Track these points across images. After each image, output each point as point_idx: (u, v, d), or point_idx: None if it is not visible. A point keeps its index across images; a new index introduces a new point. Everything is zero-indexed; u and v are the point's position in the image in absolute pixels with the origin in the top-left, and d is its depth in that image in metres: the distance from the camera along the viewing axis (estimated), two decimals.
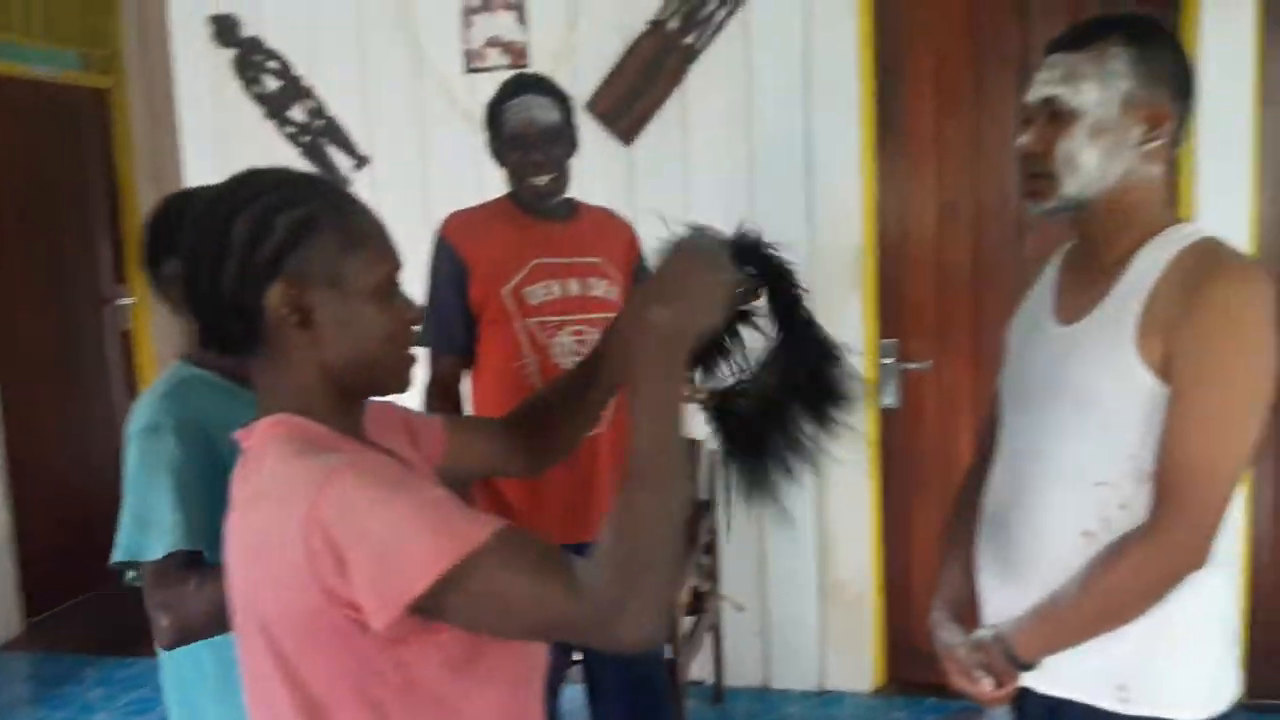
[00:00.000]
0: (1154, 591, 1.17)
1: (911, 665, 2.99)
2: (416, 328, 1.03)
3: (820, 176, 2.81)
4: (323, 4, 3.08)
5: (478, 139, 3.00)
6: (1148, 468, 1.19)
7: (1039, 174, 1.25)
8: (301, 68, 3.12)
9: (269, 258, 0.94)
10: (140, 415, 1.33)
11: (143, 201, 4.27)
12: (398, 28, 3.03)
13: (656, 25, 2.86)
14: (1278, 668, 2.72)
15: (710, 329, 0.98)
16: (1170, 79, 1.22)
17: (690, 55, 2.85)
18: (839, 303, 2.77)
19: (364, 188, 3.09)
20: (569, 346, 2.02)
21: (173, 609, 1.27)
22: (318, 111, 3.11)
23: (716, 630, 2.82)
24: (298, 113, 3.12)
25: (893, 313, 2.87)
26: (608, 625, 0.87)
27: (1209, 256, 1.18)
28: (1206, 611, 1.23)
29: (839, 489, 2.91)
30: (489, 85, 2.95)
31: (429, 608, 0.86)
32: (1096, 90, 1.21)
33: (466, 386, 2.14)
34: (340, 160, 3.11)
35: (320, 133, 3.11)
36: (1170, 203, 1.29)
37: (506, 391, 2.02)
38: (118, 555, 1.30)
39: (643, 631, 0.87)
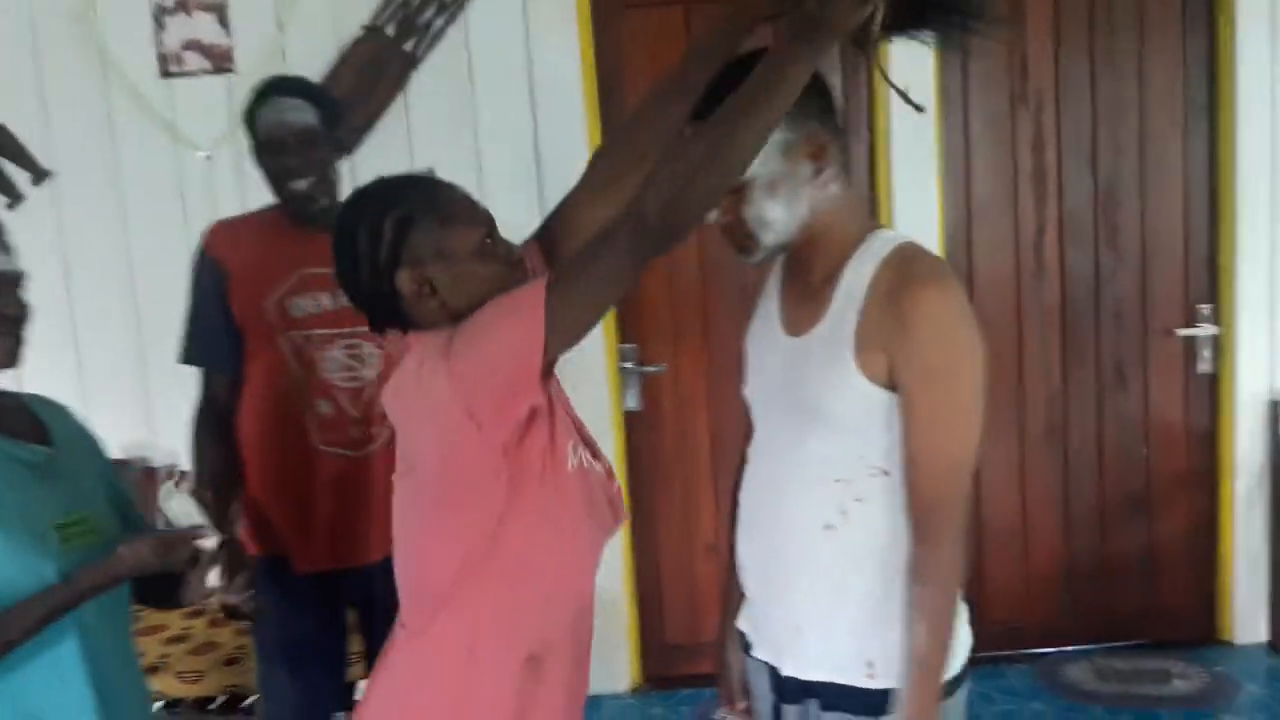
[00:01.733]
0: (956, 586, 1.25)
1: (663, 662, 3.06)
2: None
3: (550, 183, 2.80)
4: None
5: (177, 148, 2.80)
6: (879, 463, 1.27)
7: (739, 237, 1.31)
8: None
9: (388, 254, 1.23)
10: None
11: None
12: (77, 26, 2.73)
13: (372, 31, 2.75)
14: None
15: (849, 16, 1.08)
16: (811, 108, 1.25)
17: (410, 62, 2.77)
18: None
19: (45, 204, 2.77)
20: (340, 362, 1.90)
21: None
22: None
23: None
24: None
25: (631, 317, 2.92)
26: (649, 215, 1.09)
27: (907, 267, 1.24)
28: None
29: None
30: (188, 91, 2.78)
31: (552, 342, 1.15)
32: None
33: None
34: (16, 175, 2.76)
35: None
36: (859, 209, 1.36)
37: (273, 412, 1.89)
38: None
39: (679, 216, 1.10)
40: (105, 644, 1.36)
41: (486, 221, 1.28)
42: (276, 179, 1.89)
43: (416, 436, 1.27)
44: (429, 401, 1.21)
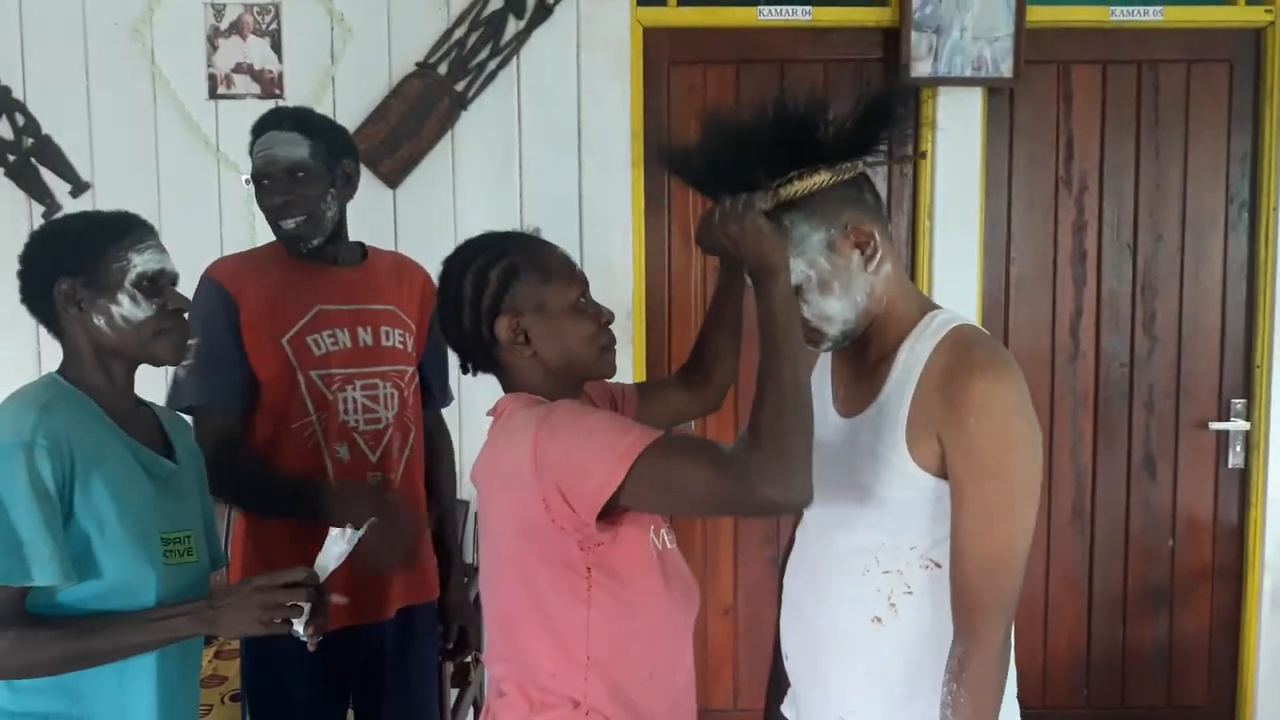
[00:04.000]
0: (999, 689, 1.20)
1: None
2: (611, 325, 1.35)
3: (592, 234, 2.79)
4: (37, 8, 2.72)
5: (219, 170, 2.78)
6: (931, 554, 1.23)
7: (805, 332, 1.27)
8: (9, 78, 2.73)
9: (491, 302, 1.30)
10: (13, 426, 1.26)
11: None
12: (130, 43, 2.73)
13: (424, 68, 2.76)
14: None
15: (771, 257, 1.18)
16: (844, 198, 1.24)
17: (461, 102, 2.77)
18: None
19: None
20: (360, 403, 1.81)
21: None
22: (29, 129, 2.73)
23: (478, 704, 2.68)
24: (3, 128, 2.73)
25: (660, 370, 2.89)
26: (756, 489, 1.08)
27: (962, 354, 1.20)
28: None
29: None
30: (236, 114, 2.77)
31: (621, 496, 1.15)
32: (800, 260, 1.23)
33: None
34: (55, 185, 2.74)
35: (31, 152, 2.73)
36: (915, 288, 1.33)
37: (289, 457, 1.77)
38: None
39: (790, 492, 1.08)
40: (182, 662, 1.40)
41: (582, 282, 1.35)
42: (269, 216, 1.80)
43: (500, 514, 1.29)
44: (512, 484, 1.23)
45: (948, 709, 1.18)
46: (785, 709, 1.47)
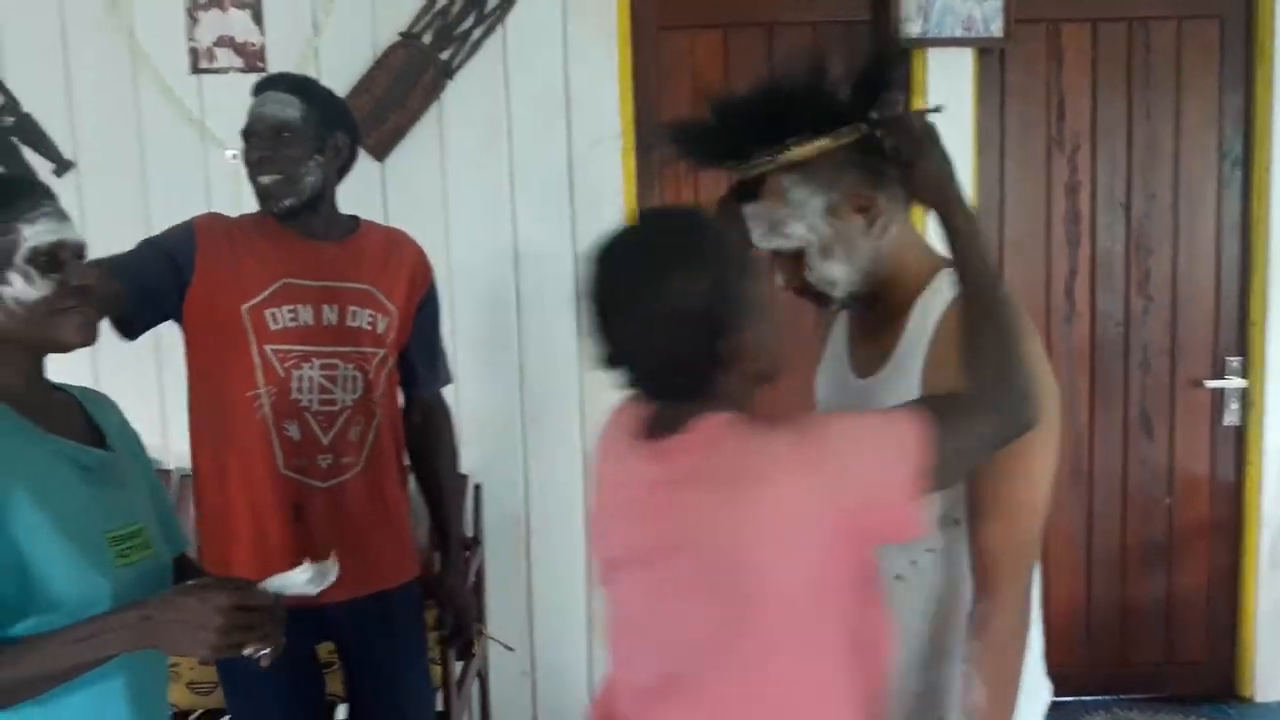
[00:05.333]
0: (1022, 644, 1.19)
1: None
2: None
3: (583, 200, 2.76)
4: None
5: (204, 146, 2.74)
6: (950, 512, 1.22)
7: (811, 296, 1.29)
8: None
9: (723, 318, 1.05)
10: None
11: None
12: (109, 18, 2.68)
13: (408, 38, 2.72)
14: None
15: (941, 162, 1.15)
16: (847, 163, 1.22)
17: (446, 71, 2.73)
18: None
19: (66, 196, 2.68)
20: (315, 381, 1.77)
21: None
22: (8, 107, 2.68)
23: (483, 674, 2.67)
24: None
25: None
26: (1013, 416, 1.06)
27: None
28: None
29: None
30: (218, 88, 2.73)
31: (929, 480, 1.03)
32: (800, 224, 1.22)
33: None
34: (37, 164, 2.70)
35: (11, 131, 2.68)
36: (927, 247, 1.30)
37: (236, 429, 1.75)
38: None
39: (1031, 408, 1.07)
40: (148, 674, 1.27)
41: (764, 269, 1.17)
42: (249, 173, 1.79)
43: (769, 572, 1.03)
44: (787, 535, 1.01)
45: (970, 665, 1.18)
46: None
